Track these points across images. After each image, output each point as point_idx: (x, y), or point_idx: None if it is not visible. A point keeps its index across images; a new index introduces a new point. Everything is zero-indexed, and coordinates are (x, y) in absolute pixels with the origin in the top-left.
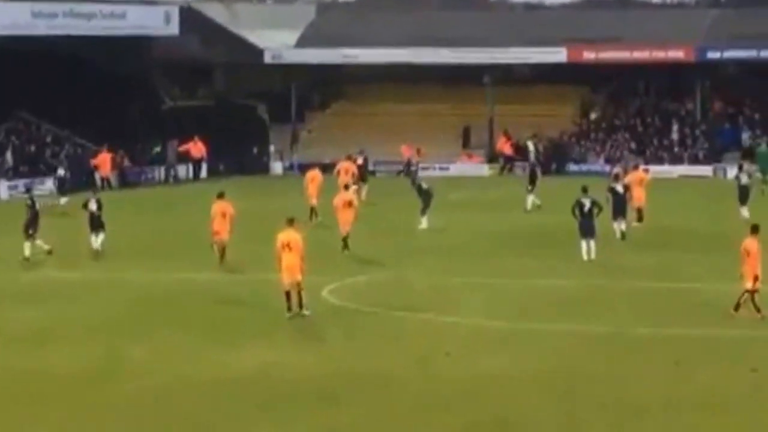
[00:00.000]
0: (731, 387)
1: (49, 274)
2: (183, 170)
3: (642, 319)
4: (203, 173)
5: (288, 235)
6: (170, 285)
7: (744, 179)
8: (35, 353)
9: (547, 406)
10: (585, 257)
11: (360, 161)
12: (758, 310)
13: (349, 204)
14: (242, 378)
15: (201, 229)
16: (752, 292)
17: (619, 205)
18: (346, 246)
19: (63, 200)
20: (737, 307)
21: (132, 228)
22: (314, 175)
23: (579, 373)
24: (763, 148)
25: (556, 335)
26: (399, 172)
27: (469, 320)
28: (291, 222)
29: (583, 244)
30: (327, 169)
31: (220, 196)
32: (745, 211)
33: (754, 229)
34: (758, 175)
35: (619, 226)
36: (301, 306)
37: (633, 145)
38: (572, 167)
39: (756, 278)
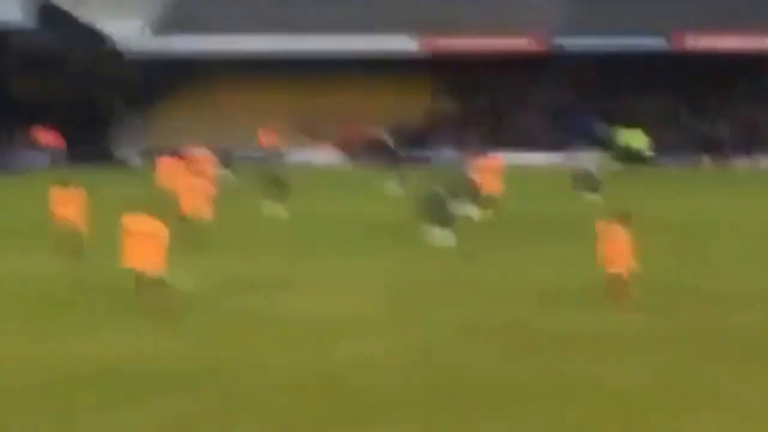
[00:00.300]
0: (593, 373)
1: None
2: (33, 158)
3: (496, 307)
4: (55, 161)
5: (141, 221)
6: (18, 273)
7: (592, 167)
8: None
9: (403, 396)
10: (439, 246)
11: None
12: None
13: (202, 191)
14: (92, 370)
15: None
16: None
17: (469, 187)
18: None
19: None
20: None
21: None
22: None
23: (429, 360)
24: (618, 135)
25: (409, 323)
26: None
27: (323, 309)
28: (147, 209)
29: (434, 232)
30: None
31: (66, 184)
32: (592, 197)
33: (620, 215)
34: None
35: (473, 211)
36: (153, 292)
37: (485, 134)
38: (428, 156)
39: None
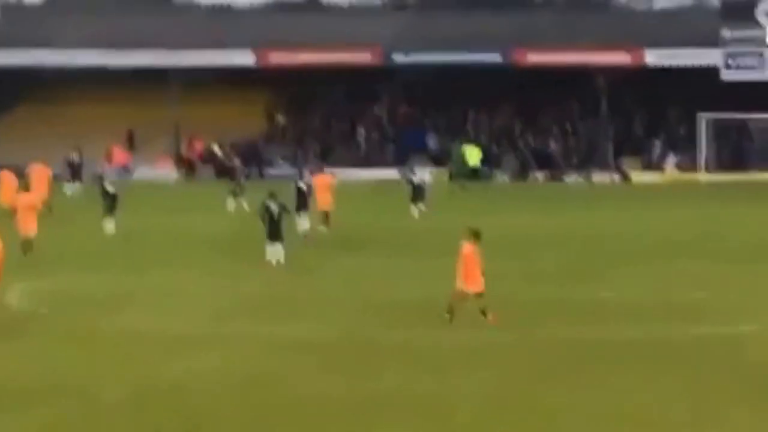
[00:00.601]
0: (417, 388)
1: None
2: None
3: (330, 322)
4: None
5: None
6: None
7: (416, 179)
8: None
9: (234, 411)
10: (273, 262)
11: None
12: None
13: (32, 207)
14: None
15: None
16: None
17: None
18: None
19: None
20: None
21: None
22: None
23: (259, 375)
24: (458, 148)
25: (242, 339)
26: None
27: (159, 325)
28: None
29: (269, 248)
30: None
31: None
32: (415, 210)
33: (472, 233)
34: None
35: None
36: None
37: (319, 149)
38: (264, 171)
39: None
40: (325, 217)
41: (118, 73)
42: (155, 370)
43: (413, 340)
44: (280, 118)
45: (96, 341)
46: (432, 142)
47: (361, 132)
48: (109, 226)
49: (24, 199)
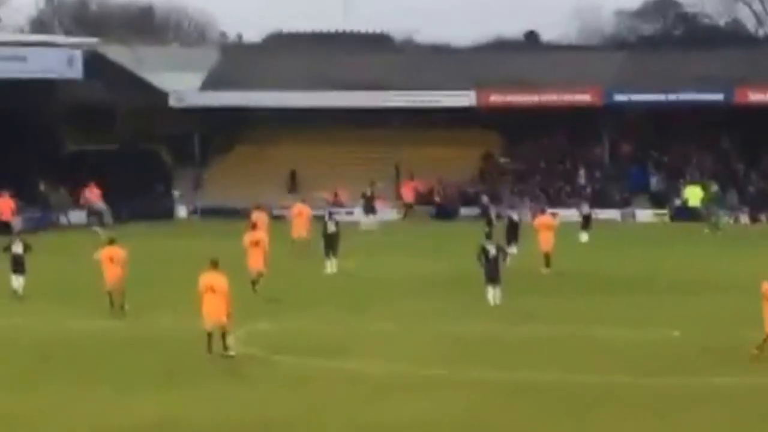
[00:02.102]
0: None
1: None
2: (78, 216)
3: (548, 365)
4: (102, 218)
5: (211, 278)
6: (65, 333)
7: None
8: None
9: None
10: (491, 302)
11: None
12: None
13: (257, 243)
14: (141, 427)
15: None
16: None
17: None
18: (254, 288)
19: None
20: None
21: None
22: (301, 208)
23: (483, 421)
24: (712, 187)
25: (462, 383)
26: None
27: (374, 367)
28: (215, 264)
29: (489, 289)
30: (231, 213)
31: (111, 241)
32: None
33: None
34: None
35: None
36: (225, 347)
37: (540, 189)
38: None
39: None
40: (546, 258)
41: (335, 114)
42: (375, 413)
43: (634, 385)
44: (502, 158)
45: (315, 384)
46: (654, 181)
47: (582, 172)
48: (330, 265)
49: (252, 236)
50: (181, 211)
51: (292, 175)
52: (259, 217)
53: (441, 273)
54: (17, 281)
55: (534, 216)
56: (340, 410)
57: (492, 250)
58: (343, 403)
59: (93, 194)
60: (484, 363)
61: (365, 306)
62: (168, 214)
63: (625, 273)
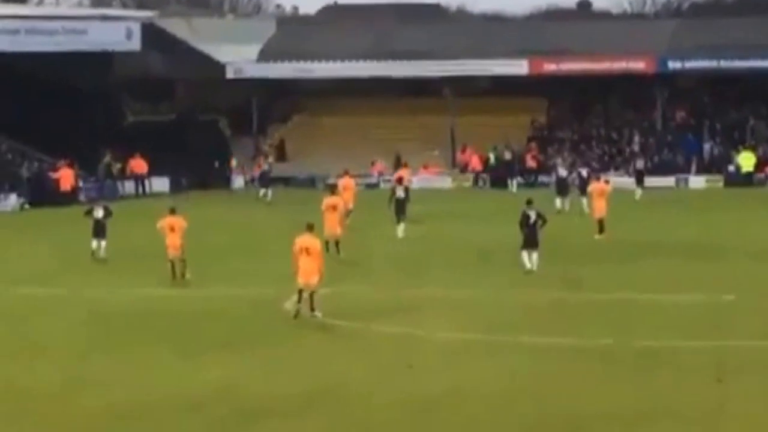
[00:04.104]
0: (697, 398)
1: (10, 290)
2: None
3: (607, 330)
4: (147, 188)
5: (306, 240)
6: (129, 301)
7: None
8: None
9: (509, 421)
10: (527, 266)
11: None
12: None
13: (333, 208)
14: (206, 393)
15: (160, 244)
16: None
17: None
18: (337, 250)
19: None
20: None
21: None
22: (347, 182)
23: (543, 386)
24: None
25: (525, 348)
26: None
27: (435, 333)
28: (311, 227)
29: (525, 254)
30: (288, 181)
31: (172, 211)
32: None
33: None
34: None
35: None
36: (312, 309)
37: (594, 156)
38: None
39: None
40: (600, 224)
41: (390, 84)
42: (430, 377)
43: (690, 348)
44: (554, 126)
45: (373, 347)
46: (707, 148)
47: (636, 139)
48: (401, 230)
49: (330, 201)
50: (239, 181)
51: (397, 159)
52: (347, 182)
53: (502, 240)
54: (99, 245)
55: (588, 183)
56: (404, 376)
57: (532, 216)
58: (407, 368)
59: (138, 165)
60: (546, 329)
61: (428, 271)
62: (225, 183)
63: (678, 239)
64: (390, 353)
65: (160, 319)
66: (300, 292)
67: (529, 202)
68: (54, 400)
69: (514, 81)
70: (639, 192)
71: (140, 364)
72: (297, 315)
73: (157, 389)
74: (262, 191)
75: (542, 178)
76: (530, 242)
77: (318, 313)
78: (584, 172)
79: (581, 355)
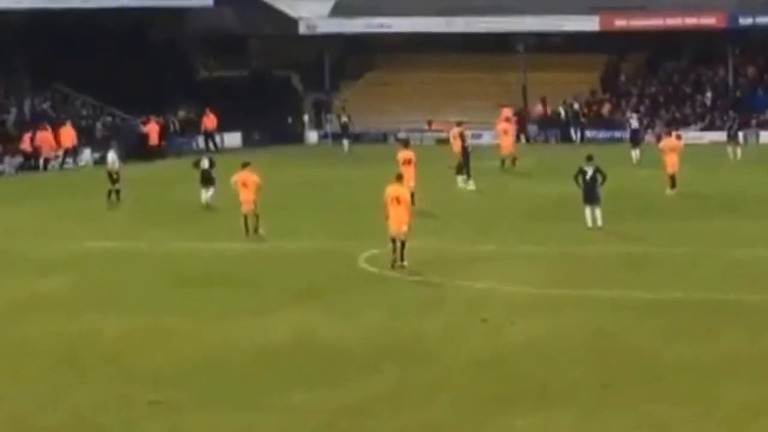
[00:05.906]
0: (761, 352)
1: (85, 244)
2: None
3: (674, 284)
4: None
5: (396, 189)
6: (203, 255)
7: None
8: (75, 319)
9: (584, 374)
10: (590, 224)
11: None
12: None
13: (409, 162)
14: (279, 346)
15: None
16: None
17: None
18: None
19: None
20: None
21: (165, 198)
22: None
23: (616, 340)
24: None
25: (590, 302)
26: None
27: (505, 287)
28: (399, 177)
29: (588, 210)
30: (358, 138)
31: (245, 165)
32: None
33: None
34: None
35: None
36: (402, 257)
37: (665, 112)
38: (603, 134)
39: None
40: (672, 179)
41: (462, 40)
42: (499, 333)
43: (760, 302)
44: (626, 82)
45: (445, 303)
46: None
47: (707, 95)
48: (461, 180)
49: (405, 154)
50: (312, 137)
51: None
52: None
53: (568, 196)
54: (207, 194)
55: (660, 138)
56: (470, 329)
57: (589, 172)
58: (472, 322)
59: (209, 121)
60: (611, 283)
61: (492, 227)
62: (298, 139)
63: (749, 193)
64: (464, 308)
65: (231, 273)
66: (393, 241)
67: (588, 158)
68: (130, 350)
69: (586, 37)
70: (634, 155)
71: (212, 316)
72: (394, 264)
73: (229, 342)
74: (345, 142)
75: (616, 133)
76: (589, 197)
77: (405, 263)
78: (634, 122)
79: (652, 310)
